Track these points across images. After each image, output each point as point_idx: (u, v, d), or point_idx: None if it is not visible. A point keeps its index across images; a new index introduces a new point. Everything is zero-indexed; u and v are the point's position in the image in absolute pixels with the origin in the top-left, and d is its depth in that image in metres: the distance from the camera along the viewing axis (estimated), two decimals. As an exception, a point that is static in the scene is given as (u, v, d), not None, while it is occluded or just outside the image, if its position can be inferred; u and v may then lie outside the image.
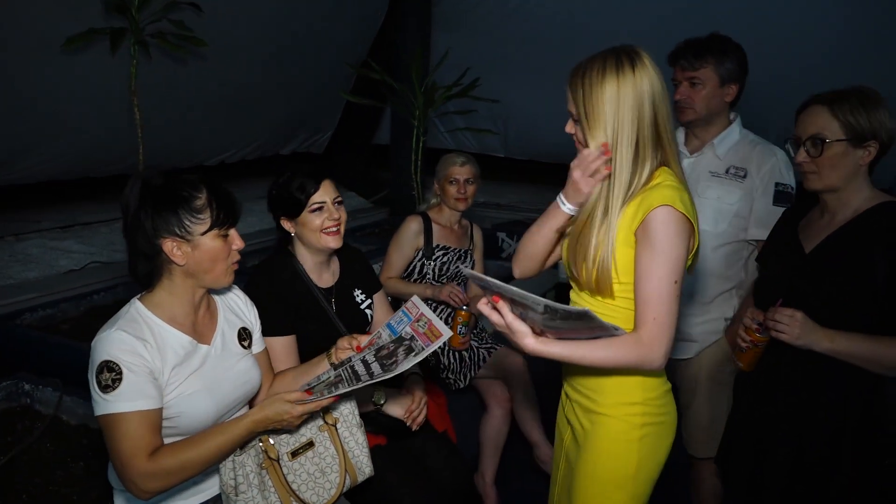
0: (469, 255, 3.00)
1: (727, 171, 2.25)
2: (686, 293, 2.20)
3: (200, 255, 1.54)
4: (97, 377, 1.44)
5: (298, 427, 1.67)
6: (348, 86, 7.11)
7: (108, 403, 1.44)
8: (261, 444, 1.60)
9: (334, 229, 2.05)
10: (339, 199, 2.08)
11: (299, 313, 2.06)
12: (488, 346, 2.90)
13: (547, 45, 6.15)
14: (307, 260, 2.13)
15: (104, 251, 4.84)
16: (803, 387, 1.71)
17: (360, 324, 2.22)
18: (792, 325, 1.62)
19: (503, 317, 1.37)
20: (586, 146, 1.49)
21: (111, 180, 5.87)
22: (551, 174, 8.62)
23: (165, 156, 5.53)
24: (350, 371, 1.57)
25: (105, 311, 3.68)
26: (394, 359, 1.54)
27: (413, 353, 1.52)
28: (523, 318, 1.37)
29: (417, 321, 1.60)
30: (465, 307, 2.68)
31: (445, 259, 2.90)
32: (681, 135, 2.37)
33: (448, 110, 6.11)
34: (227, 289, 1.78)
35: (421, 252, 2.88)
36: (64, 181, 5.70)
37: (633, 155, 1.44)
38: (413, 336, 1.58)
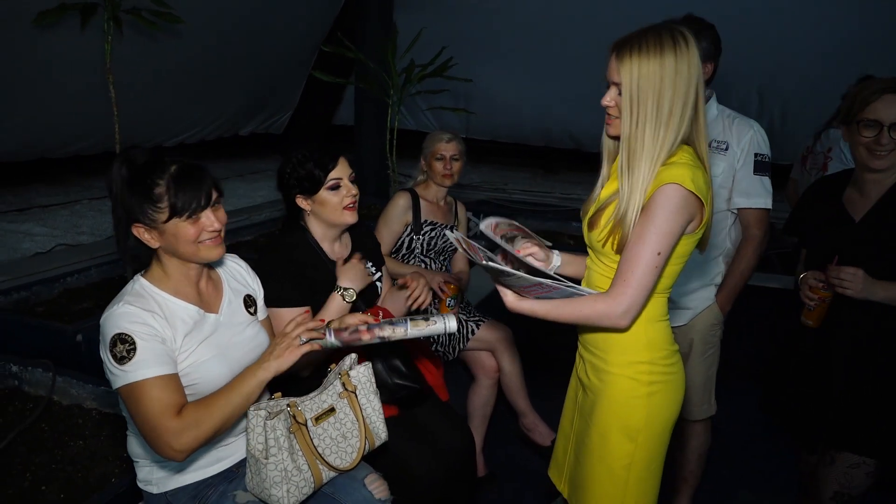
0: (454, 231, 3.07)
1: (710, 145, 2.35)
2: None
3: (168, 238, 1.57)
4: (111, 351, 1.48)
5: (321, 394, 1.73)
6: (309, 65, 7.06)
7: (126, 374, 1.47)
8: (289, 408, 1.65)
9: (352, 205, 2.10)
10: (354, 175, 2.12)
11: (313, 286, 2.10)
12: (477, 318, 2.98)
13: (511, 27, 6.24)
14: (320, 234, 2.17)
15: (68, 234, 4.73)
16: (857, 334, 1.97)
17: (372, 295, 2.28)
18: (855, 281, 1.88)
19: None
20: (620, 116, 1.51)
21: (69, 161, 5.71)
22: (510, 154, 8.81)
23: (123, 138, 5.41)
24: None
25: (80, 293, 3.62)
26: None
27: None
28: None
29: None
30: (449, 283, 2.75)
31: (433, 234, 2.96)
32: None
33: (410, 91, 6.17)
34: (229, 258, 1.83)
35: (409, 227, 2.94)
36: (17, 163, 5.52)
37: (676, 129, 1.48)
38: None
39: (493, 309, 3.70)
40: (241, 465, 1.73)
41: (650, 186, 1.48)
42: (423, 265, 2.98)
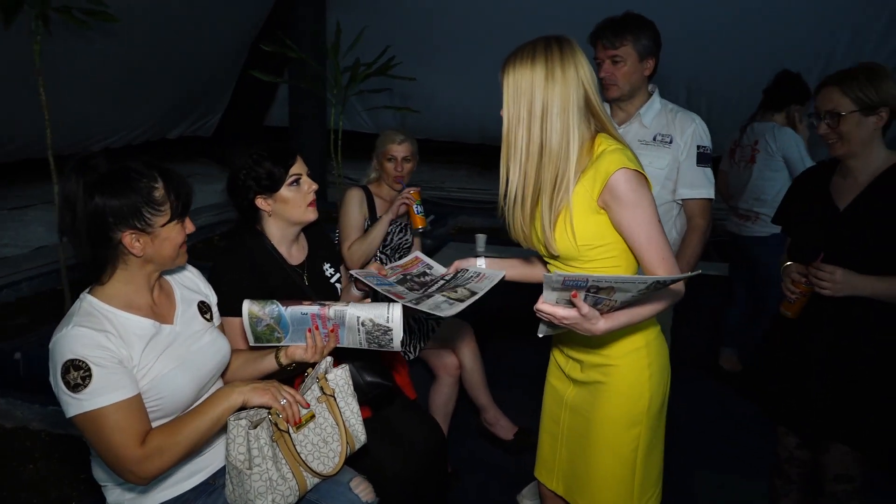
0: (409, 228, 3.06)
1: (654, 139, 2.44)
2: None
3: (159, 244, 1.52)
4: (63, 378, 1.38)
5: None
6: (239, 66, 6.88)
7: (81, 402, 1.39)
8: (270, 417, 1.60)
9: (313, 201, 2.07)
10: (309, 172, 2.09)
11: (274, 291, 2.05)
12: (436, 316, 2.98)
13: (447, 26, 6.24)
14: (277, 238, 2.12)
15: (-10, 246, 4.46)
16: (837, 326, 1.97)
17: (332, 297, 2.24)
18: (832, 281, 1.86)
19: (580, 308, 1.43)
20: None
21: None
22: (447, 152, 8.83)
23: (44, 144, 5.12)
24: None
25: (11, 308, 3.44)
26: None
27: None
28: (595, 307, 1.47)
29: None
30: (411, 190, 2.83)
31: (389, 229, 2.94)
32: (606, 109, 2.51)
33: (353, 91, 6.10)
34: (181, 267, 1.76)
35: (367, 223, 2.91)
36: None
37: (561, 123, 1.57)
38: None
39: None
40: (219, 475, 1.68)
41: (597, 183, 1.56)
42: (378, 261, 2.97)
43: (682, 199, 2.45)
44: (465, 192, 6.73)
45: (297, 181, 2.05)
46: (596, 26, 2.43)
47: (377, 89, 4.40)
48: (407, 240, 3.04)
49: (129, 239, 1.47)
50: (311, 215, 2.09)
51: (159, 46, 5.50)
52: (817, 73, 3.79)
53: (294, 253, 2.18)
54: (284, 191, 2.04)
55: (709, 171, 2.44)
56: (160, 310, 1.62)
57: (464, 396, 3.05)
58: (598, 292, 1.41)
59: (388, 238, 2.95)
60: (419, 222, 2.85)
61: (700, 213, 2.44)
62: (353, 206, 2.91)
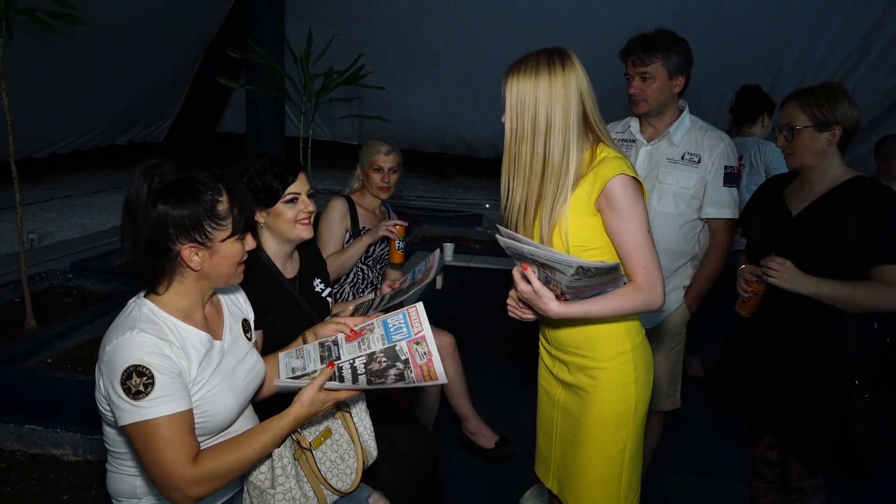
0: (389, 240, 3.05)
1: (683, 157, 2.44)
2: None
3: (217, 260, 1.48)
4: (124, 384, 1.34)
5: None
6: (192, 71, 6.72)
7: (141, 410, 1.34)
8: (292, 435, 1.58)
9: (307, 220, 2.04)
10: (311, 191, 2.07)
11: (269, 304, 2.03)
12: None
13: (405, 36, 6.25)
14: (274, 251, 2.10)
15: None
16: (787, 326, 2.06)
17: (323, 312, 2.23)
18: (781, 271, 1.97)
19: (531, 283, 1.55)
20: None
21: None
22: (404, 160, 8.80)
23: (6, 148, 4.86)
24: (339, 372, 1.53)
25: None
26: (382, 379, 1.48)
27: (402, 382, 1.46)
28: (547, 284, 1.57)
29: (417, 343, 1.51)
30: (398, 224, 2.83)
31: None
32: (635, 124, 2.54)
33: (324, 99, 6.02)
34: None
35: (349, 234, 2.89)
36: None
37: (563, 140, 1.63)
38: (408, 361, 1.48)
39: (433, 316, 3.71)
40: (236, 496, 1.64)
41: (595, 187, 1.62)
42: (360, 273, 2.95)
43: (707, 218, 2.49)
44: (424, 200, 6.70)
45: (294, 200, 2.03)
46: (627, 43, 2.43)
47: (346, 98, 4.37)
48: (388, 250, 3.04)
49: (187, 252, 1.43)
50: (300, 233, 2.07)
51: (113, 50, 5.31)
52: (765, 89, 3.95)
53: (288, 266, 2.17)
54: (279, 206, 2.02)
55: (734, 190, 2.47)
56: (211, 324, 1.58)
57: (445, 406, 3.06)
58: (543, 267, 1.51)
59: (370, 249, 2.94)
60: (398, 258, 2.87)
61: (724, 231, 2.49)
62: (335, 218, 2.88)
